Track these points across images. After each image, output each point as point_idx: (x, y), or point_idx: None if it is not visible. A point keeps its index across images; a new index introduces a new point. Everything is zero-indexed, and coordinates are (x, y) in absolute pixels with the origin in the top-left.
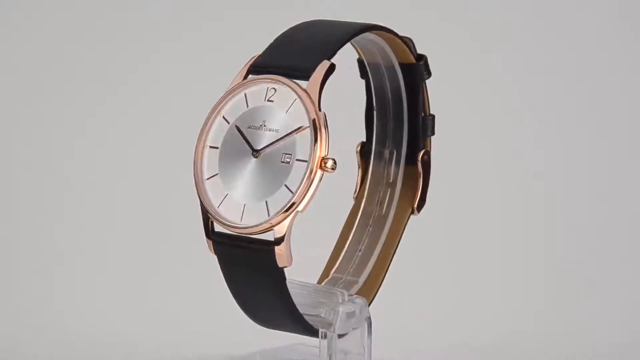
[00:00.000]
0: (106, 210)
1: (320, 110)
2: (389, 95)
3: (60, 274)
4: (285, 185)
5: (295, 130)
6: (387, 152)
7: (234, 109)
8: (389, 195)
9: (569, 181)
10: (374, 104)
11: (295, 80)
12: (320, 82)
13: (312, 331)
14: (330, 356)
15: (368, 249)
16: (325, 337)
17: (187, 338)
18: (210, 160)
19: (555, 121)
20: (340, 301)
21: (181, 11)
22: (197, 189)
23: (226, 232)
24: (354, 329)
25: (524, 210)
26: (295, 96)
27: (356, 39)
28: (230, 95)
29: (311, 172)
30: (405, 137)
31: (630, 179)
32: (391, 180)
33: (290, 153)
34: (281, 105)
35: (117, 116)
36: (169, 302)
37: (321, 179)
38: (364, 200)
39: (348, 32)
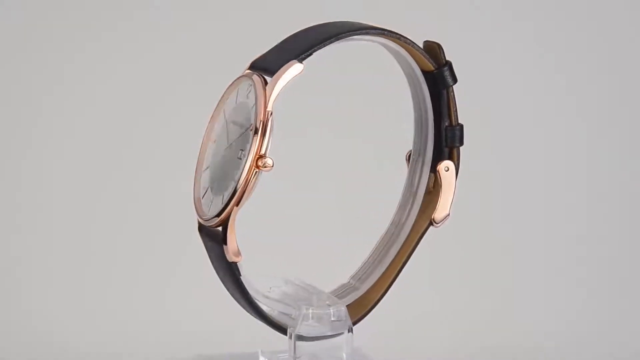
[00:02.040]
0: (111, 210)
1: (270, 109)
2: (419, 103)
3: (61, 273)
4: (234, 181)
5: (249, 127)
6: (416, 161)
7: (229, 103)
8: (411, 204)
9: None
10: (414, 112)
11: (267, 78)
12: (279, 82)
13: (280, 329)
14: (293, 357)
15: (382, 256)
16: (292, 337)
17: (190, 337)
18: (209, 153)
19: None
20: (315, 304)
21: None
22: (194, 179)
23: (201, 223)
24: (332, 335)
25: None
26: (256, 94)
27: (384, 46)
28: (229, 90)
29: (248, 169)
30: (429, 146)
31: None
32: (414, 189)
33: (243, 149)
34: (251, 102)
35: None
36: (171, 302)
37: (257, 175)
38: (397, 206)
39: (334, 33)
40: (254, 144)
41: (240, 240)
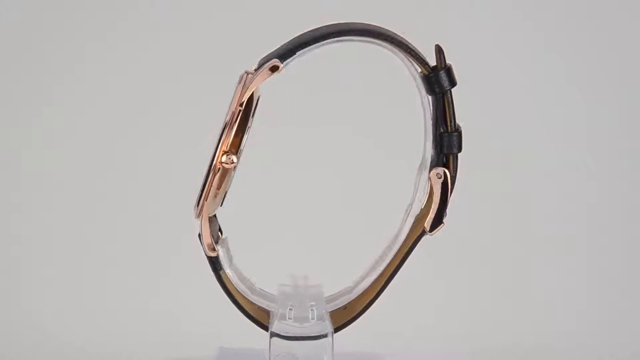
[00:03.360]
0: (111, 210)
1: (241, 106)
2: (422, 106)
3: (61, 273)
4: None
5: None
6: (420, 166)
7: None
8: (410, 210)
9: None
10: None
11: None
12: (255, 79)
13: (263, 326)
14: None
15: (378, 261)
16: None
17: (193, 337)
18: None
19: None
20: (298, 304)
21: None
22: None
23: None
24: (311, 336)
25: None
26: (235, 90)
27: (382, 47)
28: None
29: (213, 164)
30: (428, 151)
31: None
32: (414, 195)
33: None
34: None
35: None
36: (172, 301)
37: (221, 172)
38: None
39: (322, 35)
40: (221, 139)
41: (248, 239)
